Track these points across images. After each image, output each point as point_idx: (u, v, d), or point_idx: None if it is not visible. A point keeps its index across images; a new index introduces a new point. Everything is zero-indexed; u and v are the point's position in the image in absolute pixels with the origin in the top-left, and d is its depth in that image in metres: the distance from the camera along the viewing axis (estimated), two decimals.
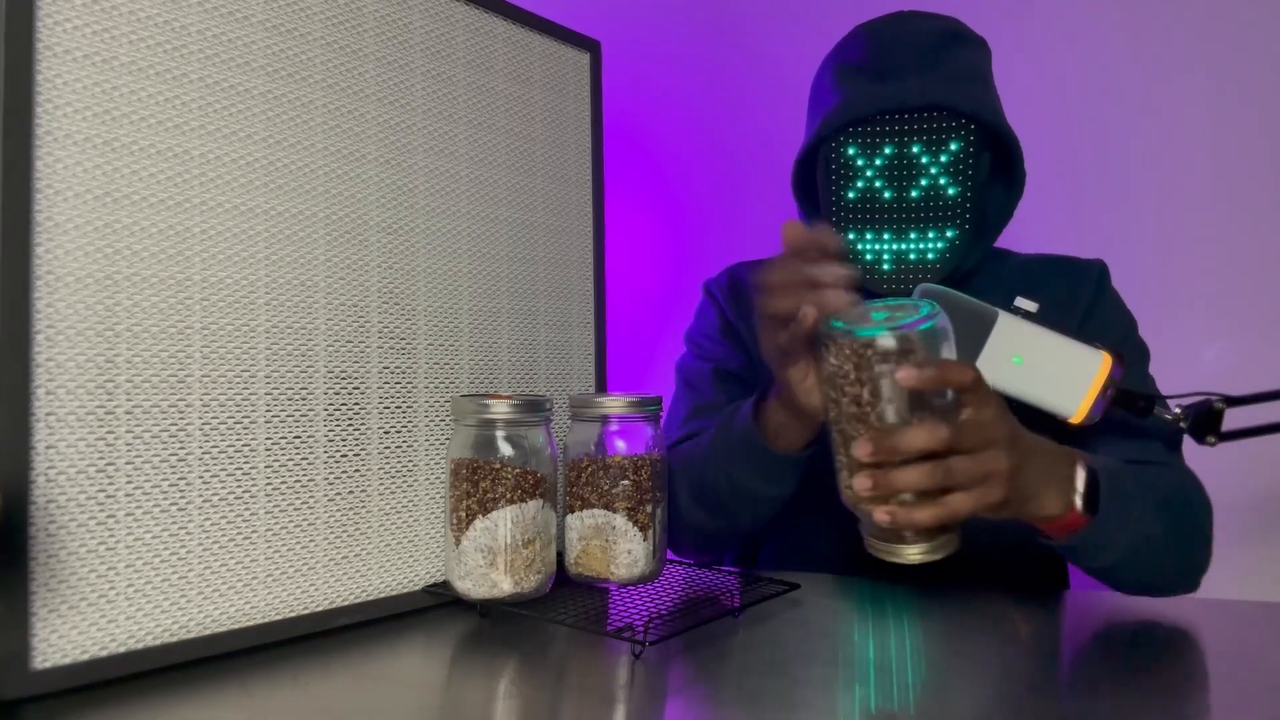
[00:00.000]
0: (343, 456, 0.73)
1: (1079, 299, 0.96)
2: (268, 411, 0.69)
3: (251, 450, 0.68)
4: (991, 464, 0.65)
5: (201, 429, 0.65)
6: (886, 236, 0.93)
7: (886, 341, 0.63)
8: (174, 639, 0.63)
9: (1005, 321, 0.80)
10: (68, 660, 0.58)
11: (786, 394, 0.76)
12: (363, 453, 0.75)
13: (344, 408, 0.74)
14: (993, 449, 0.65)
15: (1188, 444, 0.90)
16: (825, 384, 0.68)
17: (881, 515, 0.65)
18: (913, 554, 0.67)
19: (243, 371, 0.67)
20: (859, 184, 0.93)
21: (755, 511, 0.88)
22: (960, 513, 0.65)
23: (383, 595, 0.75)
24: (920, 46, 0.91)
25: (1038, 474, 0.70)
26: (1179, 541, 0.79)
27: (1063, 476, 0.72)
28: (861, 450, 0.64)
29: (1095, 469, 0.74)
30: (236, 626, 0.66)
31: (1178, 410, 0.85)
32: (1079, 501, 0.72)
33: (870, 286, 0.94)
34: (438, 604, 0.78)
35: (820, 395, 0.73)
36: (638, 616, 0.73)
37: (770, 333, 0.74)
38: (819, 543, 0.98)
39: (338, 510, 0.73)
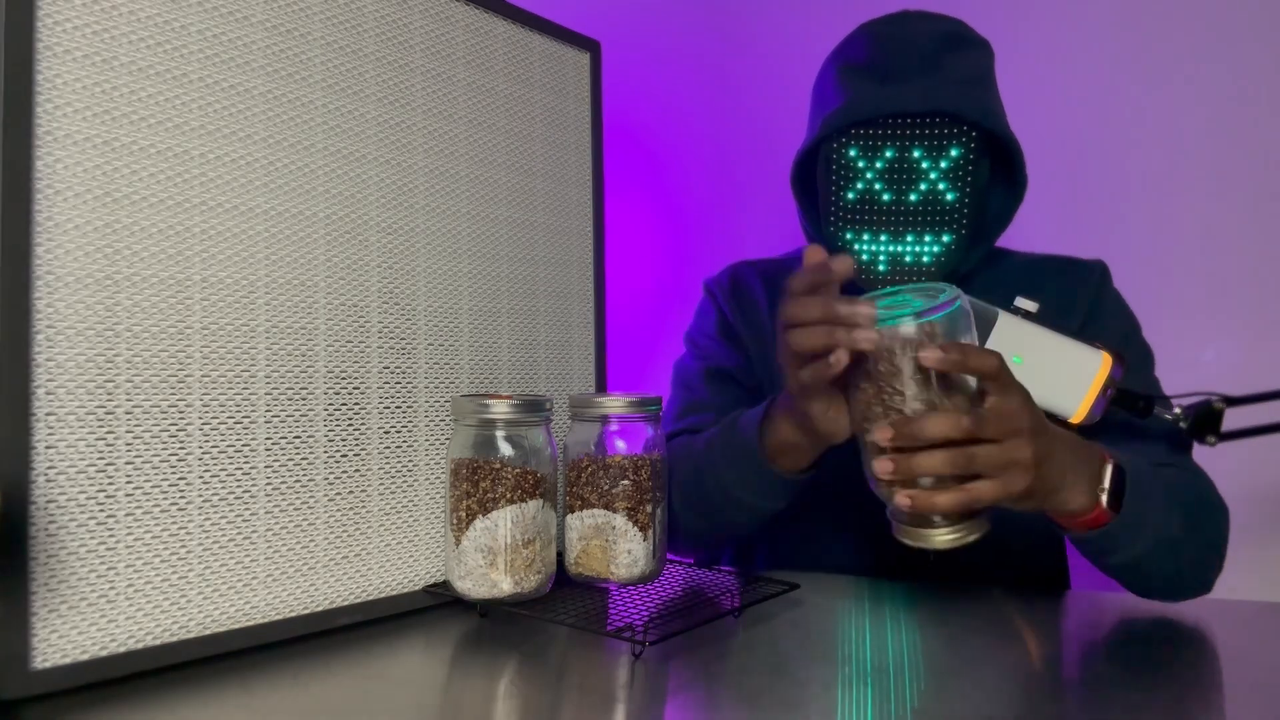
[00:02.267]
0: (343, 456, 0.73)
1: (1080, 299, 0.96)
2: (268, 411, 0.69)
3: (251, 450, 0.68)
4: (1015, 452, 0.65)
5: (201, 429, 0.65)
6: (883, 238, 0.93)
7: (908, 329, 0.64)
8: (174, 639, 0.63)
9: (1005, 321, 0.80)
10: (68, 660, 0.58)
11: (805, 422, 0.74)
12: (363, 453, 0.75)
13: (344, 408, 0.74)
14: (1017, 438, 0.65)
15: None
16: (849, 370, 0.68)
17: (902, 499, 0.65)
18: (940, 538, 0.67)
19: (243, 371, 0.67)
20: (858, 185, 0.93)
21: (747, 520, 0.88)
22: (983, 499, 0.65)
23: (383, 595, 0.75)
24: (923, 49, 0.91)
25: (1064, 466, 0.69)
26: (1196, 544, 0.79)
27: (1090, 471, 0.72)
28: (881, 435, 0.65)
29: (1123, 466, 0.74)
30: (236, 626, 0.66)
31: (1178, 410, 0.85)
32: (1104, 497, 0.72)
33: (865, 287, 0.94)
34: (438, 604, 0.78)
35: (842, 423, 0.73)
36: (638, 616, 0.73)
37: (796, 367, 0.71)
38: (828, 542, 0.97)
39: (338, 510, 0.73)
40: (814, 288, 0.69)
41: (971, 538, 0.67)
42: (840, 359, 0.66)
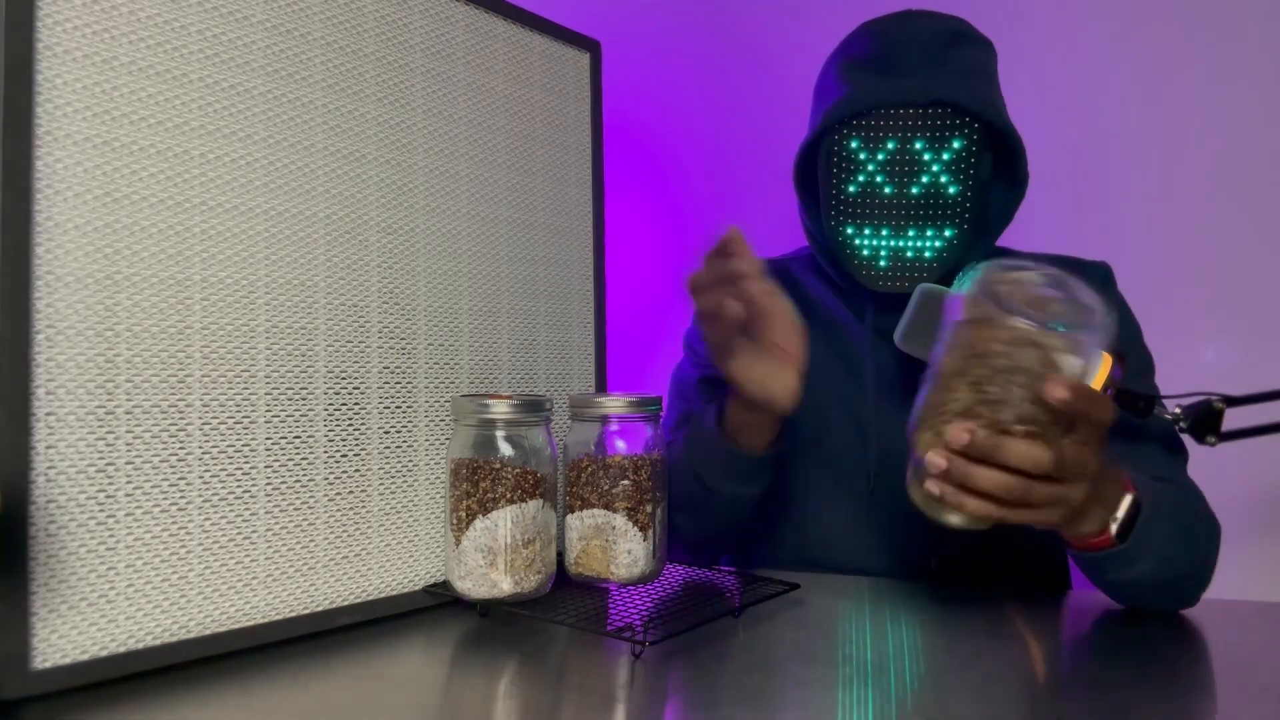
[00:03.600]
0: (343, 456, 0.73)
1: None
2: (268, 411, 0.69)
3: (251, 450, 0.68)
4: (1070, 493, 0.64)
5: (201, 429, 0.65)
6: (885, 232, 0.93)
7: (1049, 341, 0.59)
8: (174, 639, 0.63)
9: None
10: (68, 660, 0.58)
11: (739, 390, 0.79)
12: (363, 453, 0.75)
13: (344, 408, 0.74)
14: (1079, 481, 0.64)
15: (1188, 443, 0.90)
16: (955, 335, 0.63)
17: (933, 486, 0.64)
18: (951, 518, 0.66)
19: (243, 371, 0.67)
20: (860, 178, 0.93)
21: (731, 512, 0.88)
22: (1014, 520, 0.64)
23: (383, 595, 0.75)
24: (926, 45, 0.91)
25: (1093, 498, 0.69)
26: (1193, 564, 0.79)
27: (1109, 500, 0.72)
28: (957, 436, 0.61)
29: (1141, 498, 0.73)
30: (236, 626, 0.66)
31: (1177, 410, 0.85)
32: (1114, 527, 0.72)
33: (866, 283, 0.94)
34: (438, 604, 0.78)
35: (778, 388, 0.76)
36: (638, 616, 0.73)
37: (706, 331, 0.77)
38: (829, 542, 0.97)
39: (338, 510, 0.73)
40: (715, 254, 0.73)
41: (985, 524, 0.66)
42: (732, 308, 0.71)
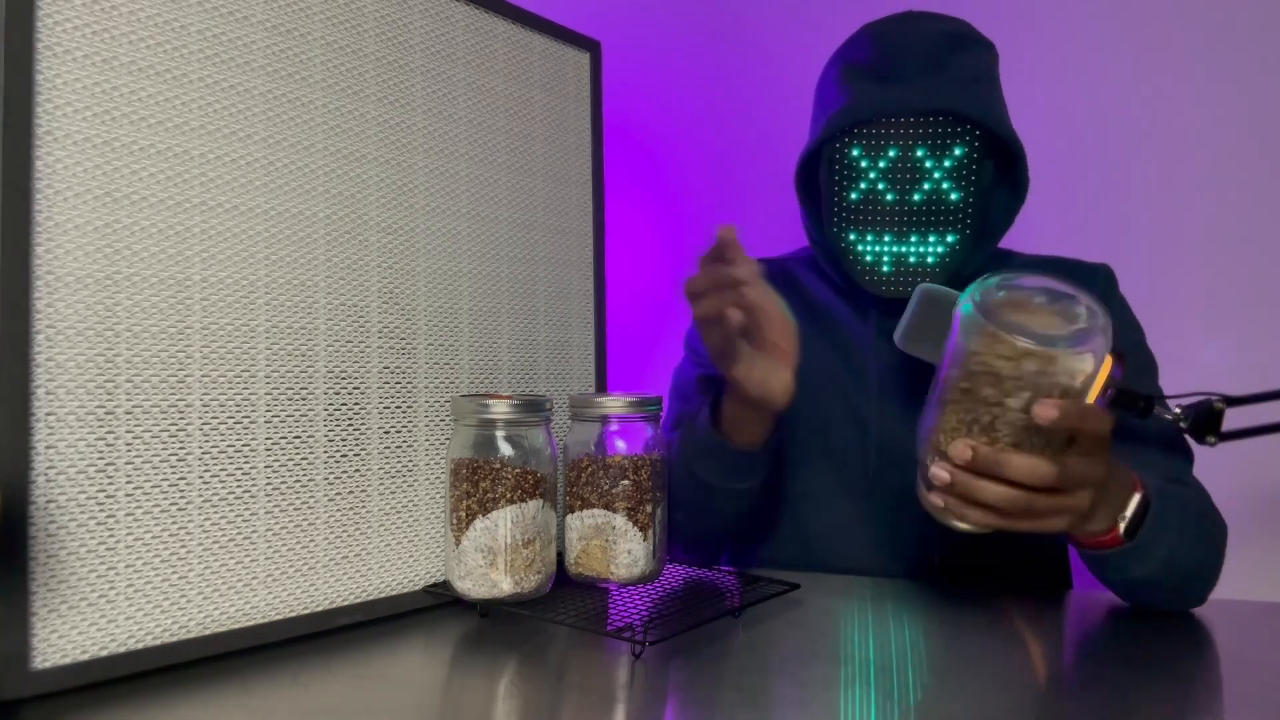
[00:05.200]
0: (343, 456, 0.73)
1: None
2: (268, 411, 0.69)
3: (251, 450, 0.68)
4: (1073, 501, 0.65)
5: (201, 429, 0.65)
6: (887, 239, 0.93)
7: (1050, 355, 0.59)
8: (174, 639, 0.63)
9: None
10: (68, 660, 0.58)
11: (739, 390, 0.79)
12: (363, 453, 0.75)
13: (344, 408, 0.74)
14: (1083, 490, 0.65)
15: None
16: (955, 350, 0.64)
17: (935, 499, 0.66)
18: (962, 524, 0.67)
19: (243, 371, 0.67)
20: (861, 185, 0.93)
21: (729, 506, 0.89)
22: (1022, 529, 0.65)
23: (383, 595, 0.75)
24: (927, 49, 0.91)
25: (1101, 500, 0.70)
26: (1200, 565, 0.79)
27: (1118, 500, 0.72)
28: (959, 454, 0.63)
29: (1150, 498, 0.73)
30: (236, 626, 0.66)
31: (1177, 410, 0.85)
32: (1123, 526, 0.72)
33: (869, 289, 0.94)
34: (438, 604, 0.78)
35: (775, 386, 0.77)
36: (638, 616, 0.73)
37: (706, 336, 0.76)
38: (829, 542, 0.97)
39: (338, 510, 0.73)
40: (711, 259, 0.73)
41: (989, 530, 0.67)
42: (734, 315, 0.70)
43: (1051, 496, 0.64)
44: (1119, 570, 0.75)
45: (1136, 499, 0.73)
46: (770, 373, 0.78)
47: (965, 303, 0.64)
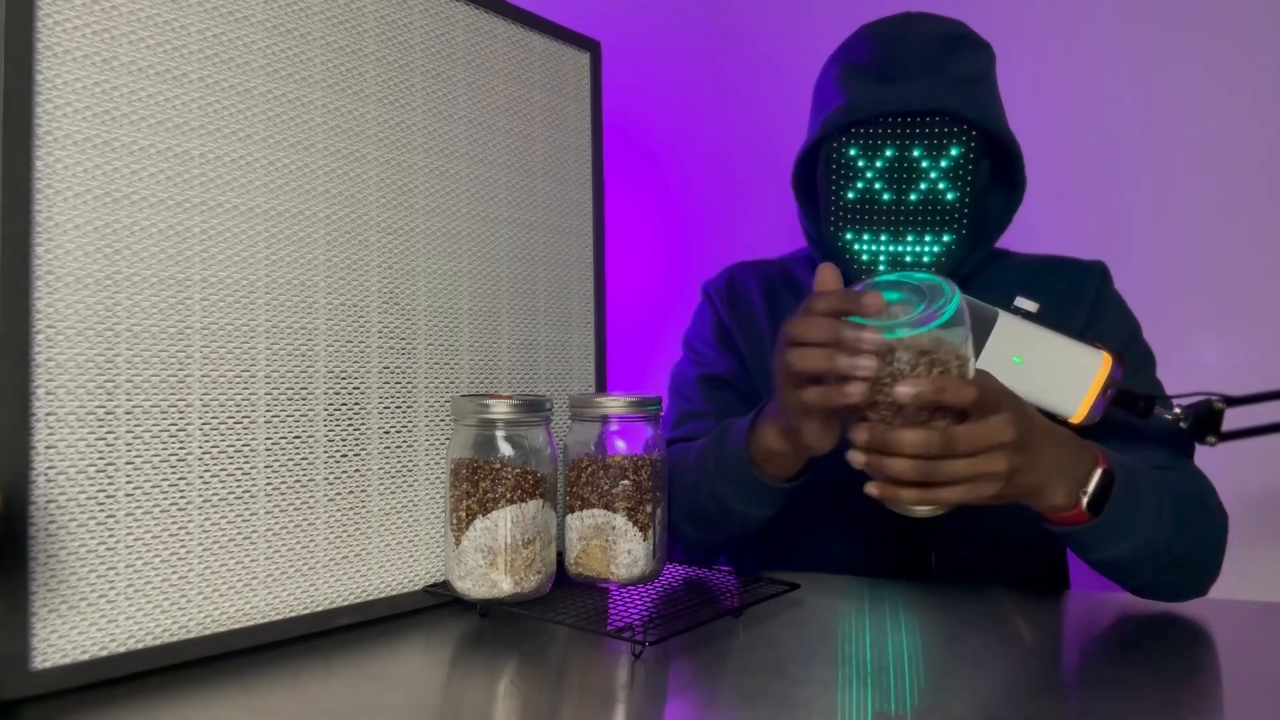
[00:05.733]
0: (343, 456, 0.73)
1: (1081, 299, 0.96)
2: (268, 411, 0.69)
3: (251, 450, 0.68)
4: (988, 465, 0.66)
5: (201, 429, 0.65)
6: (884, 238, 0.93)
7: (900, 340, 0.65)
8: (174, 639, 0.63)
9: (1005, 321, 0.80)
10: (68, 660, 0.58)
11: (793, 436, 0.75)
12: (363, 453, 0.75)
13: (344, 408, 0.74)
14: (994, 452, 0.66)
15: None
16: None
17: (871, 489, 0.69)
18: (917, 510, 0.71)
19: (243, 371, 0.67)
20: (859, 185, 0.93)
21: (740, 528, 0.88)
22: (948, 503, 0.68)
23: (383, 595, 0.75)
24: (925, 49, 0.91)
25: (1048, 470, 0.71)
26: (1189, 548, 0.79)
27: (1077, 474, 0.73)
28: (858, 436, 0.67)
29: (1114, 472, 0.73)
30: (236, 626, 0.66)
31: (1178, 410, 0.85)
32: (1085, 500, 0.72)
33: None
34: (438, 604, 0.78)
35: (829, 437, 0.74)
36: (638, 616, 0.73)
37: (792, 385, 0.70)
38: (827, 542, 0.97)
39: (338, 510, 0.73)
40: (833, 314, 0.67)
41: (944, 510, 0.70)
42: (851, 395, 0.66)
43: (962, 462, 0.65)
44: (1093, 549, 0.76)
45: (1099, 474, 0.73)
46: (830, 424, 0.73)
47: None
